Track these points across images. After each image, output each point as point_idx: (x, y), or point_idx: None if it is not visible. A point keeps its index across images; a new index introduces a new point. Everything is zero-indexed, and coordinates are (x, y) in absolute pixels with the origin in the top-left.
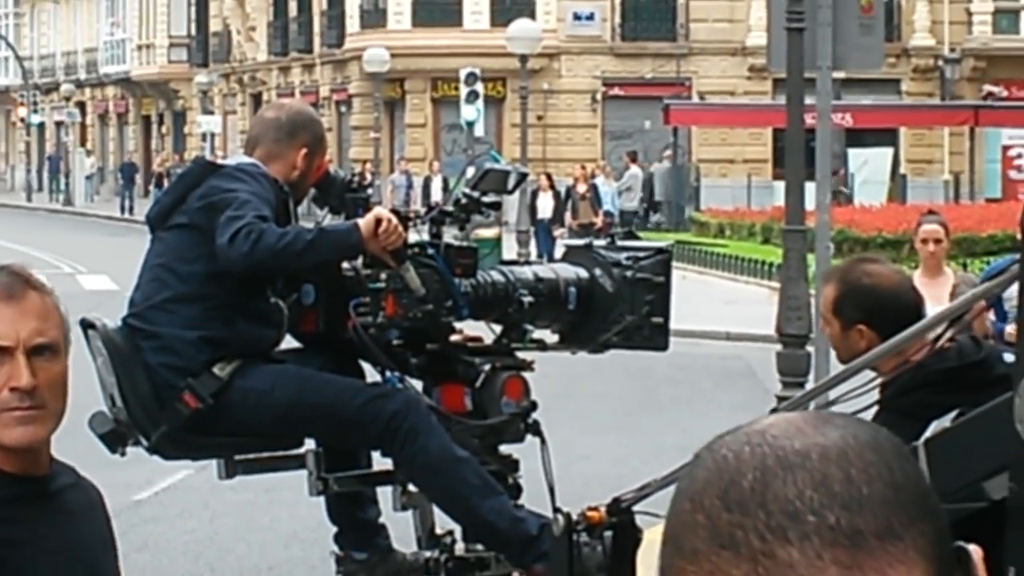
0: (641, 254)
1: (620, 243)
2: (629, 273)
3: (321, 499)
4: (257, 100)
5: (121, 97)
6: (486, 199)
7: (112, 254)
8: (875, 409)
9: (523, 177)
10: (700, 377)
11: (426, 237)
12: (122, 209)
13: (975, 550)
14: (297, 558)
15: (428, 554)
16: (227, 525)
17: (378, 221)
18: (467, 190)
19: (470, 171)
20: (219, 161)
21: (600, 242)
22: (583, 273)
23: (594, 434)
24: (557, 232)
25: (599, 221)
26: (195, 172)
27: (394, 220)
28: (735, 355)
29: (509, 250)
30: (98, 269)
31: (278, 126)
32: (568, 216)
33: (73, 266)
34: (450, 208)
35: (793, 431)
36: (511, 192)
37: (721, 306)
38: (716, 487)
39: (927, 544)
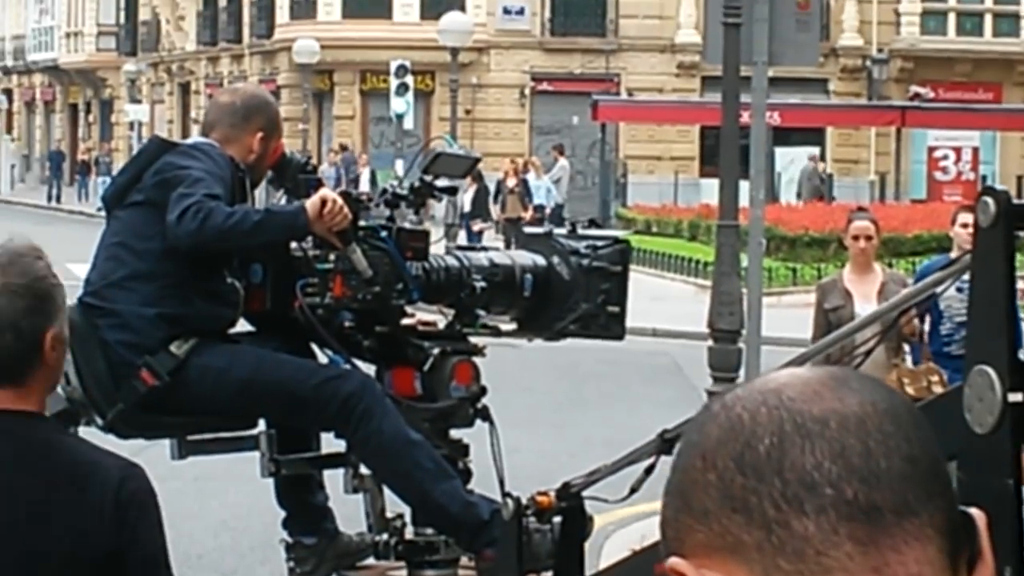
0: (599, 243)
1: (580, 232)
2: (586, 262)
3: (250, 488)
4: (185, 90)
5: (48, 84)
6: (440, 183)
7: (38, 243)
8: None
9: (476, 162)
10: (627, 373)
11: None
12: (49, 198)
13: (979, 515)
14: (226, 546)
15: (378, 537)
16: None
17: (323, 202)
18: (420, 174)
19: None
20: (175, 140)
21: (560, 230)
22: (540, 260)
23: (521, 428)
24: (479, 227)
25: (527, 215)
26: (150, 150)
27: (339, 201)
28: (661, 351)
29: (437, 245)
30: None
31: (233, 110)
32: (496, 210)
33: None
34: (404, 192)
35: (810, 394)
36: (464, 176)
37: (647, 302)
38: (730, 448)
39: (942, 519)
